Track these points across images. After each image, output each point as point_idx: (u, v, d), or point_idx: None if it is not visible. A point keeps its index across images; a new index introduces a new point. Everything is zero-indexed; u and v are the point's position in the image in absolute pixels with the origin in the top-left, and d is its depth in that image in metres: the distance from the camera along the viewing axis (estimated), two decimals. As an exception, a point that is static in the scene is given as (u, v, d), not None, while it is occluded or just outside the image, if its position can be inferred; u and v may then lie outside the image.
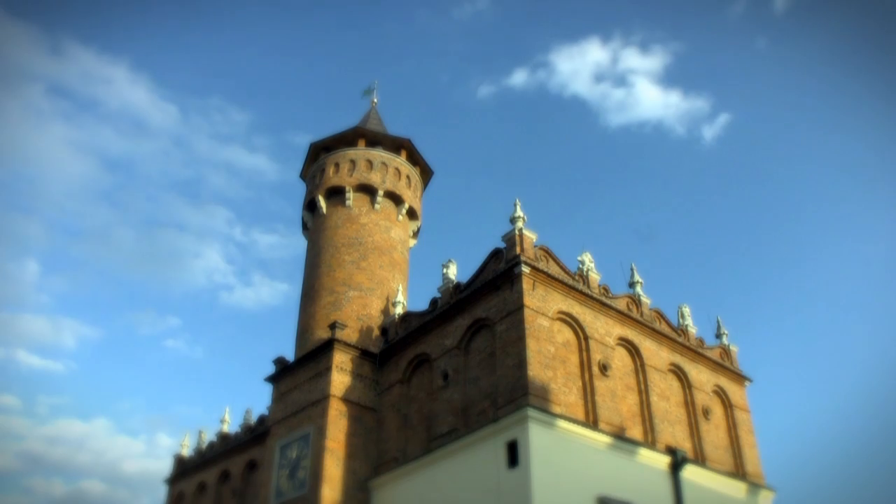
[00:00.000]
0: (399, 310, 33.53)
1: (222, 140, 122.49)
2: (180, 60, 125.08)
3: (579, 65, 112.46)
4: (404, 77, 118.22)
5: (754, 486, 30.74)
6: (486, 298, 27.54)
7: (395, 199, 39.80)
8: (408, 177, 41.13)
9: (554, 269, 27.67)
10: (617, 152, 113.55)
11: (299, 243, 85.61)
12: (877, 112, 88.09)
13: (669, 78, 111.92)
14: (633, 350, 29.46)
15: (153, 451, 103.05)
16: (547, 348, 25.44)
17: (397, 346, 31.42)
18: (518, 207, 28.45)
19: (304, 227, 41.81)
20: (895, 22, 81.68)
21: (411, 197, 40.84)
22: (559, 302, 27.06)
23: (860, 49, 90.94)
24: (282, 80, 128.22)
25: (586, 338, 27.30)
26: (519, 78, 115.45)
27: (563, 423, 24.07)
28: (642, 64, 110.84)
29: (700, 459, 29.25)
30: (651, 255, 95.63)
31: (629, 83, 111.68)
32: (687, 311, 33.50)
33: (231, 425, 40.90)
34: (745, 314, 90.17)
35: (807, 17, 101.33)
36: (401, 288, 35.77)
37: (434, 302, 30.78)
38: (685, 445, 29.08)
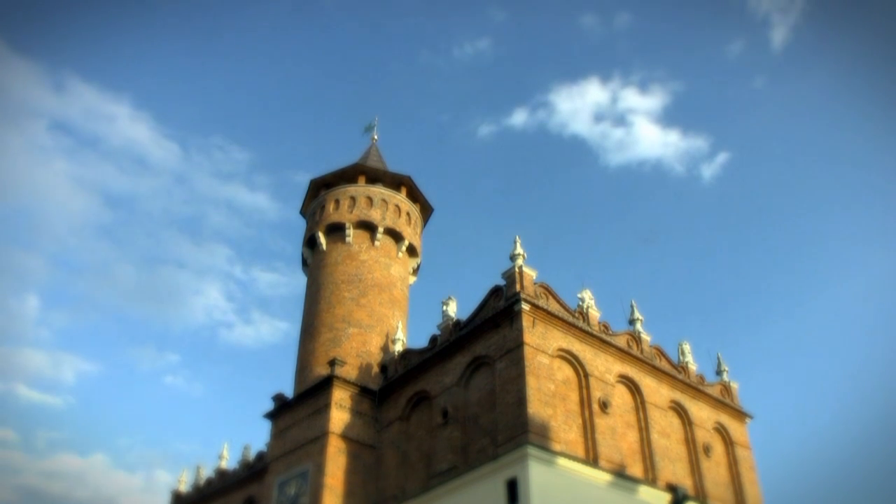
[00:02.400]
0: (399, 347, 33.51)
1: (223, 178, 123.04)
2: (182, 98, 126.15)
3: (579, 104, 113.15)
4: (405, 115, 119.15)
5: (756, 524, 30.55)
6: (486, 336, 27.55)
7: (395, 235, 39.90)
8: (408, 214, 41.28)
9: (554, 307, 27.72)
10: (617, 191, 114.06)
11: (299, 282, 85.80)
12: (876, 150, 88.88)
13: (668, 117, 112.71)
14: (633, 387, 29.41)
15: (151, 487, 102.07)
16: (547, 385, 25.41)
17: (397, 384, 31.35)
18: (518, 245, 28.58)
19: (304, 263, 41.85)
20: (892, 60, 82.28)
21: (411, 234, 40.94)
22: (559, 339, 27.08)
23: (858, 87, 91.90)
24: (283, 118, 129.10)
25: (586, 375, 27.28)
26: (519, 117, 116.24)
27: (563, 461, 23.99)
28: (642, 103, 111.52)
29: (701, 497, 29.06)
30: (651, 291, 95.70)
31: (629, 122, 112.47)
32: (687, 347, 33.49)
33: (229, 461, 40.65)
34: (746, 350, 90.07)
35: (805, 56, 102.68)
36: (400, 325, 35.77)
37: (434, 339, 30.78)
38: (686, 482, 28.92)
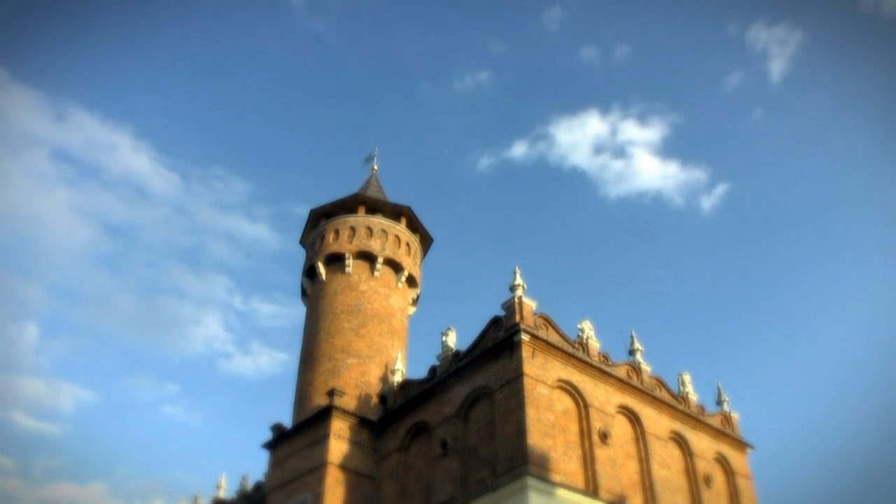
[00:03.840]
0: (398, 377, 33.46)
1: (224, 209, 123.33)
2: (183, 129, 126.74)
3: (579, 137, 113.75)
4: (405, 146, 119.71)
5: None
6: (486, 366, 27.52)
7: (395, 266, 39.93)
8: (407, 244, 41.34)
9: (553, 337, 27.71)
10: (616, 222, 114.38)
11: (298, 313, 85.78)
12: (874, 181, 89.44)
13: (668, 149, 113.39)
14: (633, 418, 29.33)
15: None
16: (546, 416, 25.36)
17: (396, 414, 31.27)
18: (518, 275, 28.62)
19: (304, 293, 41.83)
20: (890, 94, 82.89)
21: (411, 264, 40.97)
22: (559, 370, 27.05)
23: (856, 118, 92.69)
24: (284, 150, 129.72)
25: (586, 406, 27.22)
26: (519, 150, 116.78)
27: (563, 492, 23.87)
28: (641, 135, 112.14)
29: (702, 530, 28.90)
30: (651, 322, 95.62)
31: (628, 154, 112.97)
32: (687, 378, 33.45)
33: (227, 491, 40.43)
34: (747, 380, 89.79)
35: (803, 88, 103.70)
36: (400, 355, 35.72)
37: (433, 369, 30.75)
38: (687, 515, 28.79)
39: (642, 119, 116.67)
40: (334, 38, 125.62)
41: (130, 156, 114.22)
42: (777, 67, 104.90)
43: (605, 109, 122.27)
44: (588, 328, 29.62)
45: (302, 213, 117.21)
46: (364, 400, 33.55)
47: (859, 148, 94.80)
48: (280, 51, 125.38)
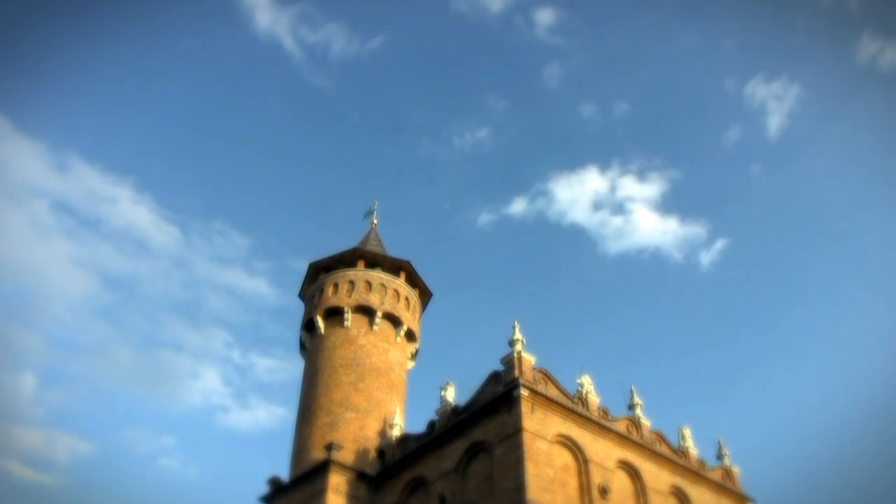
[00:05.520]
0: (396, 432, 33.31)
1: (223, 263, 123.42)
2: (184, 183, 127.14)
3: (578, 193, 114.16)
4: (405, 201, 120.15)
5: None
6: (485, 421, 27.43)
7: (394, 320, 39.99)
8: (406, 298, 41.44)
9: (553, 392, 27.67)
10: (616, 278, 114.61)
11: (296, 367, 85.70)
12: (872, 234, 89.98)
13: (667, 205, 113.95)
14: (633, 473, 29.13)
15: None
16: (546, 472, 25.21)
17: (394, 469, 31.06)
18: (517, 330, 28.66)
19: (302, 346, 41.80)
20: (887, 148, 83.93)
21: (410, 319, 41.02)
22: (558, 425, 26.95)
23: (854, 172, 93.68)
24: (284, 204, 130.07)
25: (586, 461, 27.07)
26: (518, 206, 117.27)
27: (563, 550, 23.64)
28: (640, 191, 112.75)
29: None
30: (651, 376, 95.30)
31: (627, 210, 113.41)
32: (688, 432, 33.31)
33: (224, 548, 39.95)
34: (748, 434, 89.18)
35: (800, 143, 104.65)
36: (398, 410, 35.61)
37: (432, 424, 30.62)
38: (689, 573, 28.48)
39: (641, 175, 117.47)
40: (335, 93, 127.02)
41: (131, 208, 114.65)
42: (775, 123, 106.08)
43: (604, 166, 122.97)
44: (587, 383, 29.59)
45: (301, 267, 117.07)
46: (362, 454, 33.36)
47: (857, 202, 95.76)
48: (281, 106, 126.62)
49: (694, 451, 32.79)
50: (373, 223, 48.18)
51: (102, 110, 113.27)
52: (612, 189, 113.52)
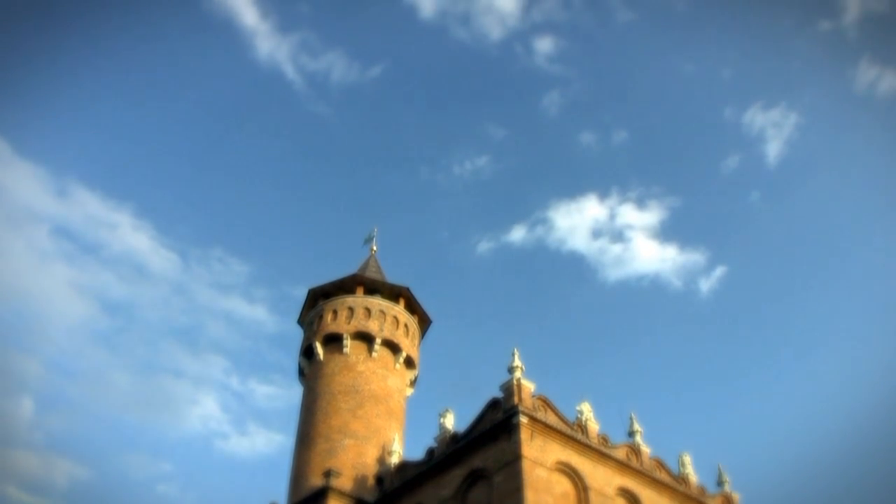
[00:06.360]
0: (395, 459, 33.19)
1: (222, 290, 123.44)
2: (184, 210, 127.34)
3: (577, 221, 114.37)
4: (405, 228, 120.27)
5: None
6: (484, 448, 27.34)
7: (393, 347, 39.96)
8: (406, 325, 41.42)
9: (552, 419, 27.60)
10: (615, 305, 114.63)
11: (295, 394, 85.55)
12: (872, 264, 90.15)
13: (666, 232, 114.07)
14: (633, 500, 28.98)
15: None
16: (545, 499, 25.10)
17: (393, 496, 30.89)
18: (516, 357, 28.65)
19: (301, 373, 41.73)
20: (886, 174, 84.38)
21: (409, 345, 40.99)
22: (558, 452, 26.87)
23: (853, 200, 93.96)
24: (283, 232, 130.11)
25: (585, 488, 26.95)
26: (518, 234, 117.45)
27: (563, 579, 23.50)
28: (639, 219, 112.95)
29: None
30: (651, 403, 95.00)
31: (626, 238, 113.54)
32: (688, 459, 33.17)
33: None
34: (748, 461, 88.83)
35: (799, 170, 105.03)
36: (397, 437, 35.50)
37: (431, 451, 30.51)
38: None
39: (640, 203, 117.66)
40: (335, 121, 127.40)
41: (130, 234, 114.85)
42: (773, 150, 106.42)
43: (603, 193, 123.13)
44: (587, 410, 29.52)
45: (300, 294, 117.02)
46: (361, 481, 33.22)
47: (856, 229, 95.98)
48: (281, 133, 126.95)
49: (694, 478, 32.65)
50: (372, 250, 48.27)
51: (103, 135, 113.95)
52: (612, 217, 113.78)
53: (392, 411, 37.76)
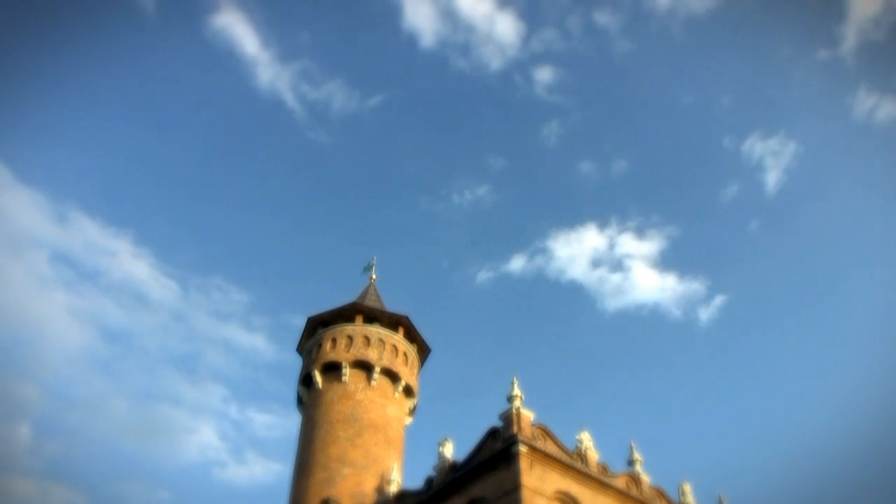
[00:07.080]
0: (394, 488, 32.98)
1: (221, 318, 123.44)
2: (184, 238, 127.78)
3: (577, 250, 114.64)
4: (404, 257, 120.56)
5: None
6: (483, 478, 27.21)
7: (392, 376, 39.89)
8: (405, 354, 41.37)
9: (552, 448, 27.51)
10: (615, 335, 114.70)
11: (293, 423, 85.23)
12: (871, 293, 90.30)
13: (665, 261, 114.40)
14: (633, 530, 28.88)
15: None
16: (545, 529, 24.97)
17: (392, 527, 30.74)
18: (516, 386, 28.60)
19: (300, 401, 41.62)
20: (884, 202, 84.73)
21: (408, 374, 40.92)
22: (557, 481, 26.75)
23: (852, 230, 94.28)
24: (283, 261, 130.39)
25: (585, 518, 26.83)
26: (517, 263, 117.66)
27: None
28: (639, 248, 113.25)
29: None
30: (651, 432, 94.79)
31: (626, 268, 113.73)
32: (688, 488, 33.01)
33: None
34: (747, 488, 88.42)
35: (798, 199, 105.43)
36: (396, 466, 35.29)
37: (430, 480, 30.36)
38: None
39: (640, 232, 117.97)
40: (336, 150, 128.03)
41: (130, 262, 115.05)
42: (773, 179, 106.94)
43: (602, 223, 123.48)
44: (587, 439, 29.43)
45: (299, 323, 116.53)
46: (359, 512, 33.04)
47: (855, 257, 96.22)
48: (282, 161, 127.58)
49: (694, 507, 32.53)
50: (371, 278, 48.29)
51: (103, 162, 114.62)
52: (611, 246, 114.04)
53: (391, 440, 37.63)
